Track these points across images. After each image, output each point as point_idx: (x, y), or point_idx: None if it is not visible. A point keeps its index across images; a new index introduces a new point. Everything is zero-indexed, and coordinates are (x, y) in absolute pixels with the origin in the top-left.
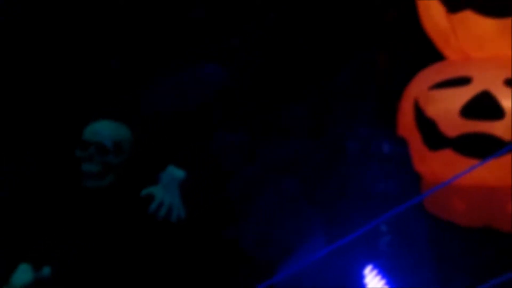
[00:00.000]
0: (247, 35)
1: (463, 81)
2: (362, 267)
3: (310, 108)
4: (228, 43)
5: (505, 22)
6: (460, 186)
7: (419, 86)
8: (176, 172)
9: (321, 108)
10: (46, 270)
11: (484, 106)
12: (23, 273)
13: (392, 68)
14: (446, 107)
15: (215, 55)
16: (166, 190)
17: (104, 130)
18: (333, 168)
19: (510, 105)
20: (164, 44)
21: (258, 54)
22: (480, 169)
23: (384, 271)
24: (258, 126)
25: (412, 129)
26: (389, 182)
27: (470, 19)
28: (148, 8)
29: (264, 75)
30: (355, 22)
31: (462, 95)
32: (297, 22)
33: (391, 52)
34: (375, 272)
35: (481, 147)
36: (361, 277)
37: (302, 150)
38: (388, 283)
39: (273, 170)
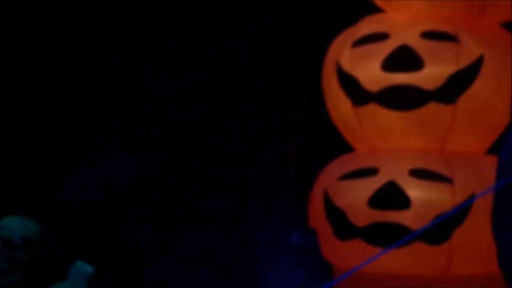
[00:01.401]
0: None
1: (370, 172)
2: None
3: (223, 201)
4: (143, 134)
5: (409, 114)
6: (371, 275)
7: (328, 177)
8: (84, 267)
9: (234, 202)
10: None
11: (390, 196)
12: None
13: (302, 160)
14: (354, 197)
15: (130, 146)
16: (75, 285)
17: (12, 225)
18: (244, 260)
19: (416, 195)
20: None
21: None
22: (391, 258)
23: None
24: (172, 219)
25: (322, 220)
26: (299, 272)
27: (375, 112)
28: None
29: (179, 168)
30: (261, 119)
31: (369, 186)
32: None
33: (300, 145)
34: None
35: (389, 236)
36: None
37: (214, 242)
38: None
39: (187, 262)
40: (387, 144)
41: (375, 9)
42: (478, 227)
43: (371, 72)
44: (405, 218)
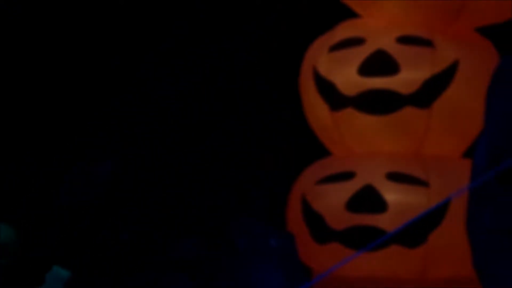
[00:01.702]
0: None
1: (347, 175)
2: None
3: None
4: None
5: (386, 118)
6: (349, 279)
7: (306, 181)
8: (61, 272)
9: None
10: None
11: (367, 200)
12: None
13: (280, 164)
14: (332, 201)
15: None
16: None
17: None
18: (223, 265)
19: (393, 198)
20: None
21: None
22: (368, 261)
23: None
24: (155, 224)
25: (300, 224)
26: (278, 277)
27: (352, 116)
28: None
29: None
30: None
31: (346, 190)
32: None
33: (277, 151)
34: None
35: (366, 240)
36: None
37: (195, 249)
38: None
39: (167, 269)
40: (364, 148)
41: (352, 14)
42: (454, 230)
43: (347, 77)
44: (382, 221)
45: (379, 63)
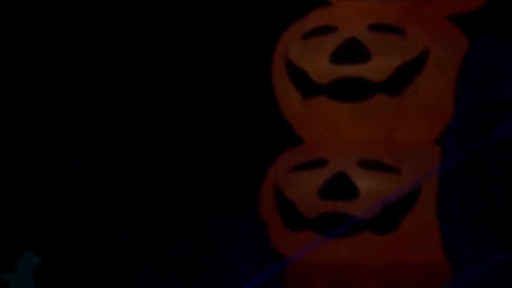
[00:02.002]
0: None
1: (320, 163)
2: None
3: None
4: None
5: (357, 106)
6: (322, 264)
7: (279, 169)
8: (32, 259)
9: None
10: None
11: (340, 187)
12: None
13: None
14: (304, 189)
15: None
16: (22, 277)
17: None
18: (196, 256)
19: (364, 185)
20: None
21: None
22: (340, 248)
23: None
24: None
25: (272, 211)
26: (250, 264)
27: (324, 104)
28: None
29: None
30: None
31: (319, 177)
32: None
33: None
34: None
35: (338, 227)
36: None
37: (166, 240)
38: None
39: (140, 262)
40: (336, 135)
41: (323, 2)
42: (425, 217)
43: (319, 65)
44: (354, 208)
45: (351, 51)
